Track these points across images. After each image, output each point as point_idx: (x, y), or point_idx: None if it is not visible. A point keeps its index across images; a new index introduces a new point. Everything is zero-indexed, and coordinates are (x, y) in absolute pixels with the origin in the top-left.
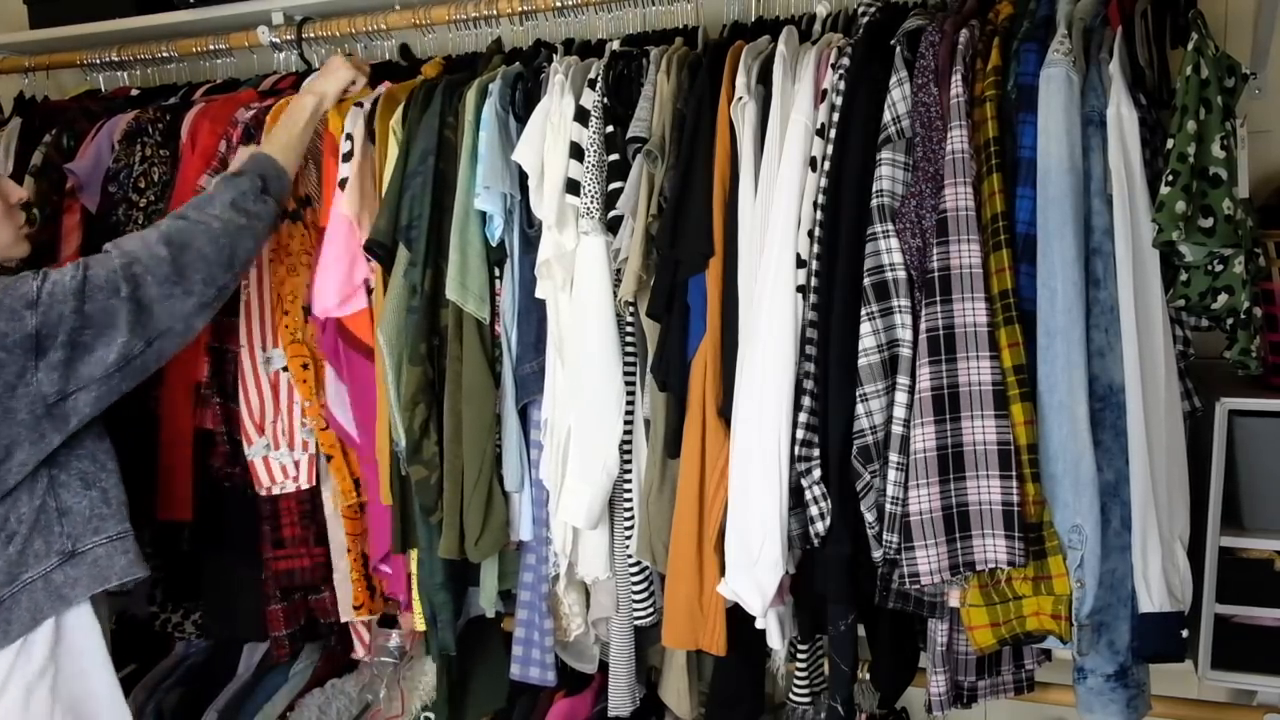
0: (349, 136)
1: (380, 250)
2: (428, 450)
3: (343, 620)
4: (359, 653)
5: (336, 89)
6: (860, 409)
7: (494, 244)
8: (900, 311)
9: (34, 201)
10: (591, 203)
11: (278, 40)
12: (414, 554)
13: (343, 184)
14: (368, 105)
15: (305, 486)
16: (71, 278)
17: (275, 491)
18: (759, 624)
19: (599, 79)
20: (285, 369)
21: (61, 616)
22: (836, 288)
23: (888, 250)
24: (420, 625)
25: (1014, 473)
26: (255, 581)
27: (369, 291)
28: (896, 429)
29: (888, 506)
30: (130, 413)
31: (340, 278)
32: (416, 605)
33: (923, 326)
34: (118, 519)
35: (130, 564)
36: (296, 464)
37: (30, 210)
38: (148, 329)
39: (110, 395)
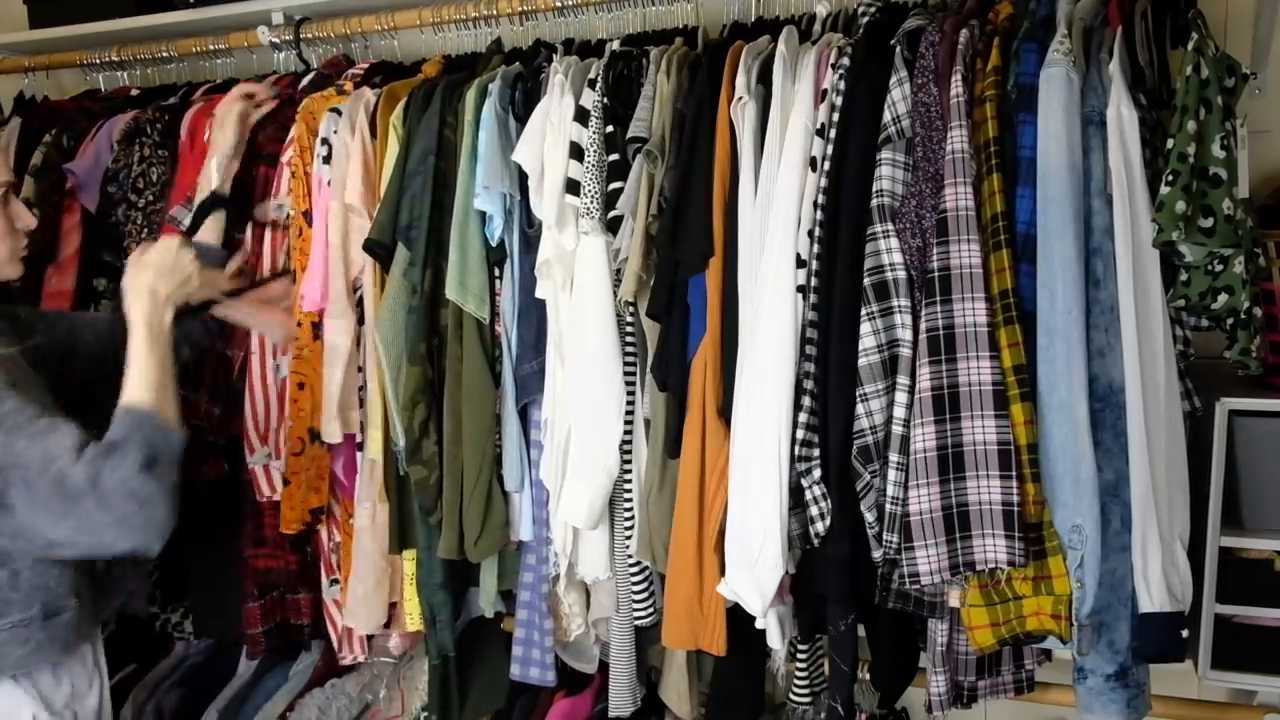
0: (325, 141)
1: (380, 249)
2: (427, 450)
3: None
4: (347, 657)
5: (168, 289)
6: (860, 409)
7: (494, 244)
8: (900, 311)
9: (34, 201)
10: (591, 203)
11: (277, 40)
12: (411, 554)
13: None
14: (364, 102)
15: None
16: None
17: (276, 499)
18: (759, 624)
19: (599, 79)
20: None
21: None
22: (836, 288)
23: (888, 250)
24: (414, 625)
25: (1014, 473)
26: (241, 580)
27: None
28: (896, 429)
29: (888, 506)
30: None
31: (318, 283)
32: (410, 605)
33: (923, 326)
34: (23, 605)
35: (28, 656)
36: None
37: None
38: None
39: None
